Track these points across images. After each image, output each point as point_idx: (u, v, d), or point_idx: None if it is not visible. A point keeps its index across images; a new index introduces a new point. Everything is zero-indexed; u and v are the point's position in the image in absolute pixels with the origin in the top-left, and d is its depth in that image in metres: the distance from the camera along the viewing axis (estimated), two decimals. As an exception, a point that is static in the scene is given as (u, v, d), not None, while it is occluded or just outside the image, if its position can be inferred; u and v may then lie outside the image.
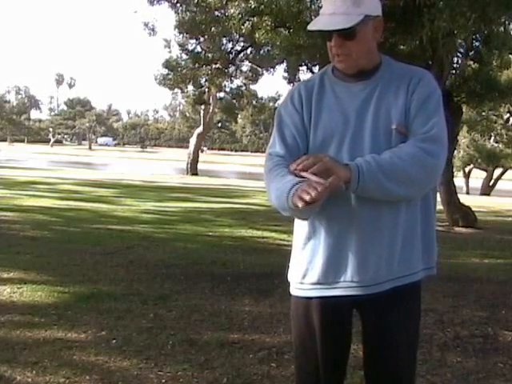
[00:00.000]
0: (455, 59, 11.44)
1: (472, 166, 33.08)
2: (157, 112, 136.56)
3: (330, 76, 1.93)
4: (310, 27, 1.83)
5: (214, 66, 13.67)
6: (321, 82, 1.93)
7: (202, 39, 14.10)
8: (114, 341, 3.71)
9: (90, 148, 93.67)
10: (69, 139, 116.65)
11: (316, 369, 1.94)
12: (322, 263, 1.87)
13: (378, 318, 1.89)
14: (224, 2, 11.60)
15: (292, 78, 15.73)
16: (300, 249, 1.95)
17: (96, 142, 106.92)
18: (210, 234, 8.79)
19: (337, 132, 1.84)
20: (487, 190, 32.87)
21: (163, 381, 3.17)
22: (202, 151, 53.01)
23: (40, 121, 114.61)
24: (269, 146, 1.96)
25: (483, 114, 26.91)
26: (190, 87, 19.79)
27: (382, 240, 1.82)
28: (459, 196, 11.36)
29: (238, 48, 13.63)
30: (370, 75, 1.87)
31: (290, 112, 1.93)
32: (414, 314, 1.96)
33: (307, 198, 1.61)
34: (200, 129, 35.47)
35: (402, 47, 9.88)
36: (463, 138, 29.16)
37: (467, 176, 33.85)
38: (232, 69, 14.79)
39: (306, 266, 1.91)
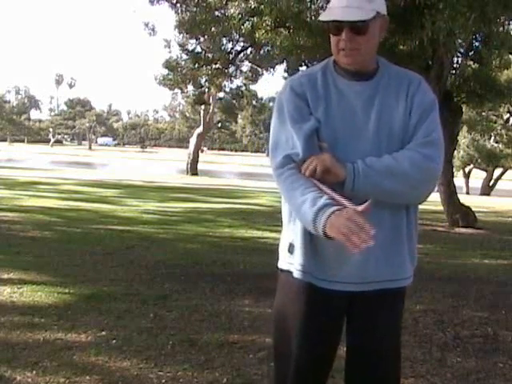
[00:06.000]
0: (455, 59, 11.44)
1: (472, 166, 33.09)
2: (157, 112, 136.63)
3: (331, 71, 1.89)
4: (324, 18, 1.81)
5: (214, 65, 13.65)
6: (324, 77, 1.88)
7: (201, 39, 14.06)
8: (114, 341, 3.71)
9: (90, 148, 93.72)
10: (69, 139, 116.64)
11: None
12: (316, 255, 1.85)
13: (366, 316, 1.90)
14: (224, 2, 11.60)
15: (292, 78, 15.68)
16: (288, 226, 1.93)
17: (96, 142, 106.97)
18: (210, 234, 8.79)
19: (344, 129, 1.83)
20: (487, 190, 32.89)
21: (163, 381, 3.17)
22: (202, 151, 53.02)
23: (40, 121, 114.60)
24: (278, 146, 1.84)
25: (483, 114, 26.93)
26: (190, 87, 19.76)
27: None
28: (459, 196, 11.35)
29: (238, 48, 13.61)
30: (370, 76, 1.87)
31: (299, 105, 1.84)
32: (399, 318, 1.99)
33: (360, 245, 1.61)
34: (200, 129, 35.50)
35: (401, 47, 9.88)
36: (463, 138, 29.17)
37: (467, 176, 33.86)
38: (232, 69, 14.74)
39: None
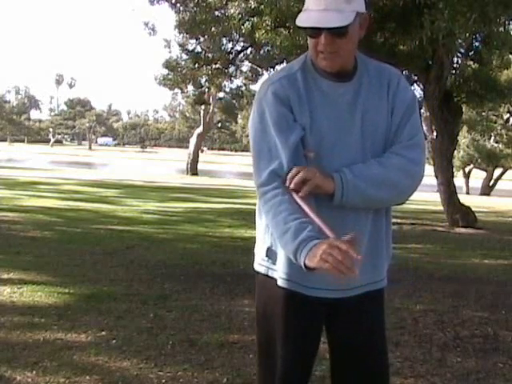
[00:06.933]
0: (455, 59, 11.44)
1: (472, 166, 33.12)
2: (157, 112, 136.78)
3: (311, 70, 1.81)
4: (301, 23, 1.72)
5: (214, 65, 13.65)
6: (304, 77, 1.80)
7: (202, 39, 14.07)
8: (114, 341, 3.71)
9: (90, 148, 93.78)
10: (69, 139, 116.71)
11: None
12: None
13: (349, 317, 1.89)
14: (224, 2, 11.59)
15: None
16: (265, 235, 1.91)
17: (96, 142, 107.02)
18: (210, 234, 8.79)
19: (330, 132, 1.78)
20: (487, 190, 32.92)
21: (163, 381, 3.17)
22: (202, 151, 53.05)
23: (40, 121, 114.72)
24: (261, 157, 1.78)
25: (483, 114, 26.94)
26: (190, 87, 19.76)
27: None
28: (459, 196, 11.35)
29: (238, 48, 13.60)
30: (351, 75, 1.81)
31: (283, 113, 1.77)
32: (382, 319, 1.97)
33: (345, 271, 1.55)
34: (200, 129, 35.54)
35: (401, 47, 9.88)
36: (463, 138, 29.20)
37: (467, 176, 33.88)
38: (232, 69, 14.74)
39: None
